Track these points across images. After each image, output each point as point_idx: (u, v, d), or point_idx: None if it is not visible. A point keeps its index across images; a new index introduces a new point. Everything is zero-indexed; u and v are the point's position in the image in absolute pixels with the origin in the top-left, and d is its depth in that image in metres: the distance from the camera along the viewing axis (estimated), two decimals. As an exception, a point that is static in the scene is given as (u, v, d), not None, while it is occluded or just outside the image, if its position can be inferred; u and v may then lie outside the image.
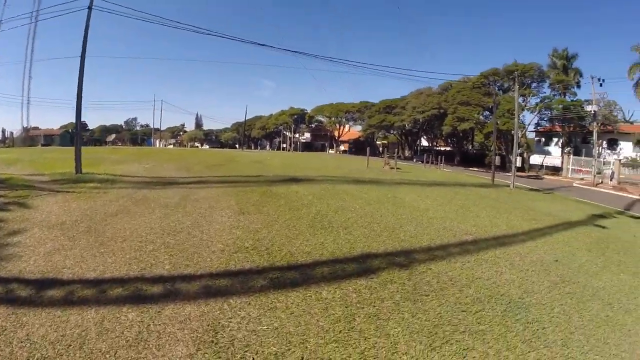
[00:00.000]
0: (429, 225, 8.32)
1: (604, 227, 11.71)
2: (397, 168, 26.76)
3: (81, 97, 17.02)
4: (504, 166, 49.62)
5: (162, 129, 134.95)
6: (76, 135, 18.01)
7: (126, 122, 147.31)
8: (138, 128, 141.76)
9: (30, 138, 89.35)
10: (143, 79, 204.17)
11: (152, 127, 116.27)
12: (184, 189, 12.19)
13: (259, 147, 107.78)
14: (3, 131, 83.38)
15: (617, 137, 48.61)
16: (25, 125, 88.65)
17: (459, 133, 60.18)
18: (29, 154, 32.06)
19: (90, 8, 16.37)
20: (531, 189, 24.47)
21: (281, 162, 26.95)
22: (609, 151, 47.89)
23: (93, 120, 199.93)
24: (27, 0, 18.30)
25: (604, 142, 47.06)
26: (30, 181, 13.41)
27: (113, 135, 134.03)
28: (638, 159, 44.87)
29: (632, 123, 55.09)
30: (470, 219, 9.69)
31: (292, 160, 32.02)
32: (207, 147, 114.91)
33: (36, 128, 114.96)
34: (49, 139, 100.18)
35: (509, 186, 23.50)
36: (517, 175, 32.53)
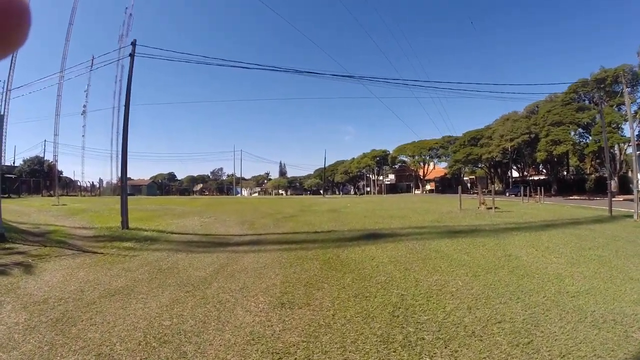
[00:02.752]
0: (580, 315, 4.85)
1: None
2: (495, 207, 22.72)
3: (126, 145, 15.96)
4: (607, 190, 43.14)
5: (247, 178, 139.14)
6: (122, 190, 16.34)
7: (213, 172, 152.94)
8: (224, 178, 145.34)
9: (117, 188, 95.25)
10: (227, 131, 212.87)
11: (237, 176, 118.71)
12: (228, 254, 9.63)
13: (341, 193, 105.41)
14: (100, 181, 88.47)
15: None
16: (118, 176, 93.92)
17: (553, 158, 54.59)
18: (103, 204, 32.17)
19: (132, 55, 15.95)
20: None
21: (362, 210, 23.85)
22: None
23: (182, 170, 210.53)
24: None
25: None
26: (71, 236, 13.17)
27: (200, 185, 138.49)
28: None
29: None
30: (625, 287, 6.10)
31: (375, 205, 28.79)
32: (287, 194, 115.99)
33: (129, 179, 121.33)
34: (137, 188, 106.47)
35: (631, 217, 18.75)
36: (627, 199, 27.56)
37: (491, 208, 22.32)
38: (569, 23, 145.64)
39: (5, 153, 70.98)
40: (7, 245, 10.73)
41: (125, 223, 14.55)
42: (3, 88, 42.77)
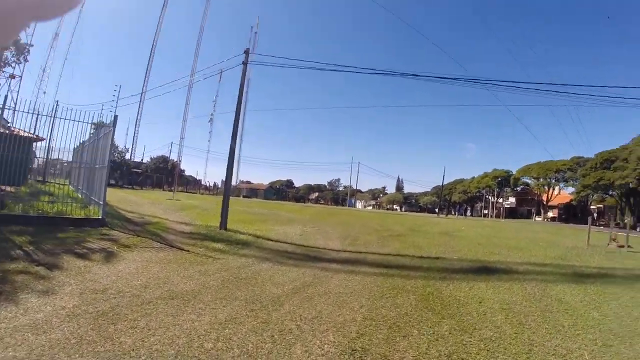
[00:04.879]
0: None
1: None
2: (628, 246, 19.42)
3: (234, 150, 16.14)
4: None
5: (363, 191, 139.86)
6: (225, 191, 16.18)
7: (329, 183, 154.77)
8: (341, 188, 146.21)
9: (236, 189, 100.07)
10: (346, 142, 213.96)
11: (353, 187, 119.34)
12: (316, 271, 8.63)
13: (456, 213, 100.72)
14: (222, 182, 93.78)
15: None
16: (238, 179, 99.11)
17: None
18: (216, 203, 32.67)
19: (245, 64, 15.94)
20: None
21: (476, 235, 21.70)
22: None
23: (300, 178, 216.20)
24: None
25: None
26: (167, 229, 13.30)
27: (316, 194, 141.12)
28: None
29: None
30: None
31: (491, 232, 26.13)
32: (402, 210, 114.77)
33: (248, 182, 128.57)
34: (254, 192, 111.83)
35: None
36: None
37: (623, 246, 19.12)
38: None
39: (135, 150, 77.79)
40: (104, 231, 11.01)
41: (223, 224, 14.32)
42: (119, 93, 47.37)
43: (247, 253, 10.22)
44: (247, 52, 15.78)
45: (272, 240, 13.03)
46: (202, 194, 71.52)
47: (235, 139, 15.64)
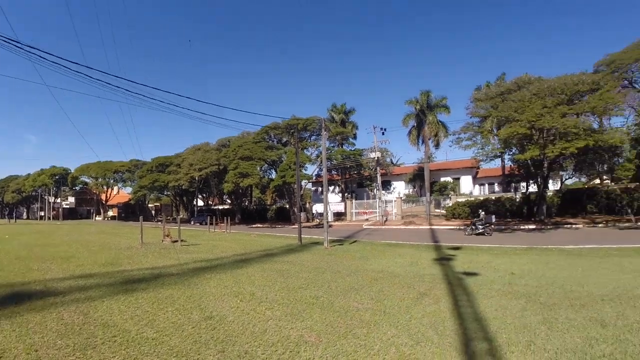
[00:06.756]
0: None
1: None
2: (182, 240, 20.51)
3: None
4: (289, 219, 53.86)
5: None
6: None
7: None
8: None
9: None
10: None
11: None
12: None
13: (6, 216, 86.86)
14: None
15: (390, 178, 61.71)
16: None
17: (239, 190, 58.60)
18: None
19: None
20: (334, 241, 22.14)
21: (20, 245, 18.63)
22: (384, 192, 54.59)
23: None
24: None
25: (380, 185, 51.38)
26: None
27: None
28: (411, 193, 59.02)
29: (399, 166, 65.52)
30: (373, 339, 5.13)
31: (40, 238, 23.27)
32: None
33: None
34: None
35: (319, 244, 20.45)
36: (305, 227, 30.43)
37: (177, 241, 20.24)
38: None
39: None
40: None
41: None
42: None
43: None
44: None
45: None
46: None
47: None
